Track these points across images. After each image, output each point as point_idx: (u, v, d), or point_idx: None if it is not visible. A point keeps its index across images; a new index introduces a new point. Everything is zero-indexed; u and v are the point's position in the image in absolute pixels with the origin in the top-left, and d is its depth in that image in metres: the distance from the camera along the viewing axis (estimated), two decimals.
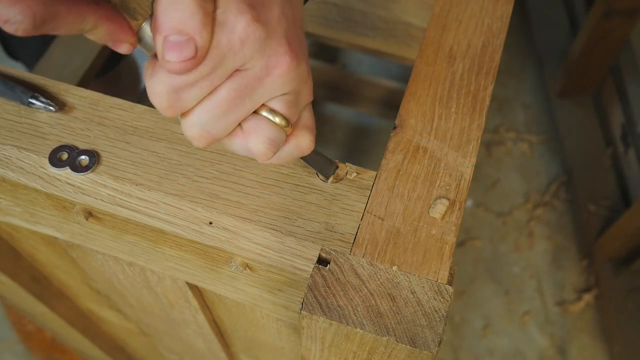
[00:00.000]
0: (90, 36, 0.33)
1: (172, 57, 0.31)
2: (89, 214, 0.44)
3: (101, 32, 0.33)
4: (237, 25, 0.32)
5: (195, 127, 0.35)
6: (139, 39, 0.34)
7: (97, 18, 0.32)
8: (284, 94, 0.35)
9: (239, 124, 0.36)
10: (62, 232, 0.51)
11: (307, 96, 0.38)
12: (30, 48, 0.95)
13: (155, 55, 0.34)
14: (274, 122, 0.36)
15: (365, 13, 0.82)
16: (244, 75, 0.34)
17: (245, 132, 0.36)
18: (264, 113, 0.35)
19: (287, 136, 0.37)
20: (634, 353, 1.34)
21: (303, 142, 0.38)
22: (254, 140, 0.35)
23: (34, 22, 0.30)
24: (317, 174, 0.44)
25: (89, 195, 0.43)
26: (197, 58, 0.32)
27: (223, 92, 0.34)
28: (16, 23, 0.30)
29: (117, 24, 0.33)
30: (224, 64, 0.33)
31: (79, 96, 0.47)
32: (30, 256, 0.68)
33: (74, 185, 0.43)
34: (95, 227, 0.47)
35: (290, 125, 0.36)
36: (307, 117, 0.39)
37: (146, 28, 0.34)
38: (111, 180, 0.43)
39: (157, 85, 0.33)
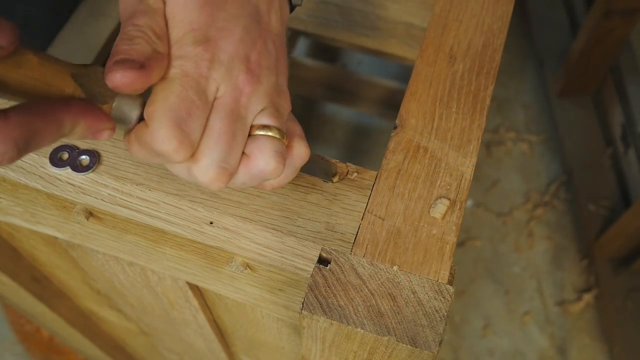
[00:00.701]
0: (72, 137, 0.33)
1: (117, 66, 0.32)
2: (90, 213, 0.44)
3: (80, 130, 0.33)
4: (197, 55, 0.34)
5: (211, 166, 0.35)
6: (114, 119, 0.35)
7: (73, 117, 0.32)
8: (264, 109, 0.37)
9: (243, 152, 0.37)
10: (63, 232, 0.51)
11: (285, 106, 0.39)
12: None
13: (131, 128, 0.35)
14: (272, 137, 0.36)
15: (365, 13, 0.82)
16: (223, 101, 0.35)
17: (252, 156, 0.36)
18: (259, 132, 0.36)
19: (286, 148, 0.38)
20: (634, 353, 1.34)
21: (300, 150, 0.39)
22: (263, 159, 0.36)
23: (17, 148, 0.29)
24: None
25: (89, 195, 0.43)
26: (143, 74, 0.33)
27: (217, 123, 0.35)
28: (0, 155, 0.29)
29: (92, 115, 0.33)
30: (201, 88, 0.34)
31: None
32: (30, 256, 0.68)
33: (74, 185, 0.43)
34: (96, 227, 0.47)
35: (284, 136, 0.37)
36: (294, 126, 0.40)
37: (116, 105, 0.34)
38: (112, 180, 0.43)
39: (158, 131, 0.34)
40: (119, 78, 0.32)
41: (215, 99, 0.35)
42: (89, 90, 0.33)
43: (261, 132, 0.36)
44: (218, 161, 0.35)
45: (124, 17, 0.35)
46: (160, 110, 0.33)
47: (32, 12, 0.90)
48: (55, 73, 0.32)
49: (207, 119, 0.35)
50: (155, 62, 0.33)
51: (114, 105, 0.34)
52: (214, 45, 0.35)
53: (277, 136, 0.37)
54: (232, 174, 0.36)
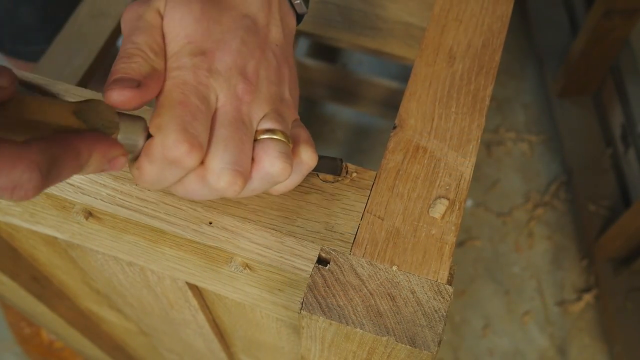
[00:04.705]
0: (90, 169, 0.33)
1: (114, 84, 0.33)
2: (89, 213, 0.44)
3: (97, 159, 0.33)
4: (194, 64, 0.35)
5: (225, 170, 0.35)
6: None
7: (88, 146, 0.32)
8: (267, 114, 0.37)
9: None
10: (62, 232, 0.51)
11: (288, 113, 0.39)
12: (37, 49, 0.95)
13: (137, 154, 0.36)
14: (276, 139, 0.37)
15: (365, 13, 0.82)
16: (225, 109, 0.36)
17: (258, 159, 0.36)
18: (264, 135, 0.37)
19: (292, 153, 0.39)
20: (634, 353, 1.34)
21: (306, 155, 0.39)
22: (270, 160, 0.36)
23: (41, 173, 0.29)
24: (317, 174, 0.44)
25: (88, 195, 0.43)
26: (140, 92, 0.34)
27: (222, 130, 0.35)
28: (25, 183, 0.28)
29: (105, 143, 0.33)
30: (202, 94, 0.35)
31: (79, 96, 0.47)
32: (30, 256, 0.68)
33: (73, 185, 0.43)
34: (95, 227, 0.47)
35: (289, 139, 0.37)
36: (301, 132, 0.40)
37: (121, 134, 0.35)
38: (111, 179, 0.43)
39: (168, 137, 0.34)
40: (116, 96, 0.33)
41: (216, 108, 0.36)
42: (92, 124, 0.34)
43: (265, 136, 0.37)
44: (231, 164, 0.35)
45: (125, 34, 0.36)
46: (166, 117, 0.34)
47: (32, 16, 0.91)
48: (57, 113, 0.32)
49: (212, 127, 0.35)
50: (152, 79, 0.35)
51: (119, 135, 0.35)
52: (210, 56, 0.36)
53: (282, 139, 0.37)
54: (246, 177, 0.36)
